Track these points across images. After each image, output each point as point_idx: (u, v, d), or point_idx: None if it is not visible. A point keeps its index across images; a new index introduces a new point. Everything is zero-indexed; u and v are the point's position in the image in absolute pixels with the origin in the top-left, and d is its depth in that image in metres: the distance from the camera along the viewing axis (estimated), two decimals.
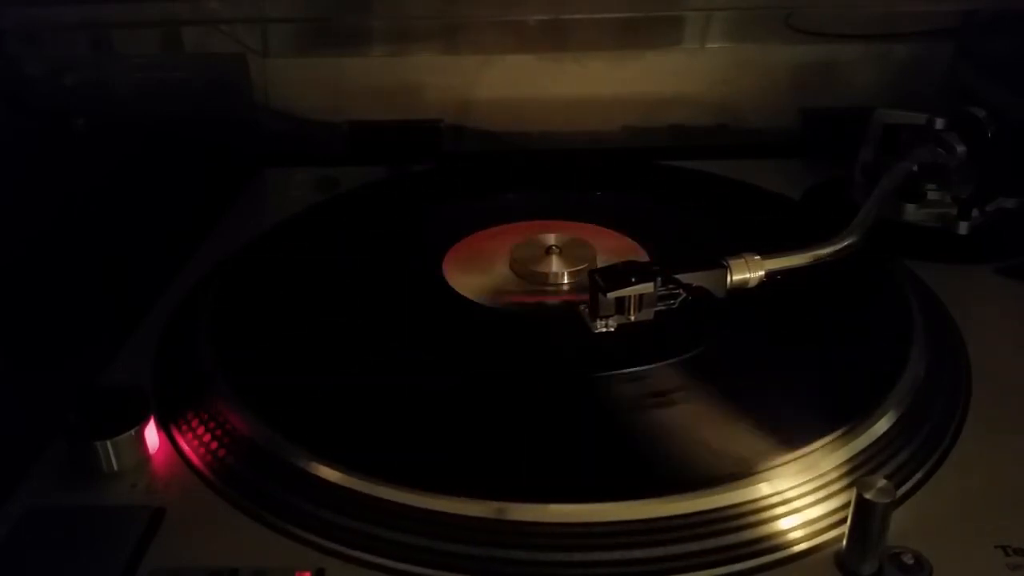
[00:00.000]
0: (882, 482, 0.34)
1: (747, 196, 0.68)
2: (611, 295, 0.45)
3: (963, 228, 0.59)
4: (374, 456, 0.40)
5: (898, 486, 0.39)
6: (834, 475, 0.39)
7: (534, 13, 0.78)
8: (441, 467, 0.39)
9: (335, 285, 0.55)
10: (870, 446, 0.41)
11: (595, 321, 0.46)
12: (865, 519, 0.34)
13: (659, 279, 0.45)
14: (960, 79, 0.78)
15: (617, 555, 0.36)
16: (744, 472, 0.38)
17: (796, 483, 0.39)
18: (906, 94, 0.78)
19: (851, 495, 0.35)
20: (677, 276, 0.46)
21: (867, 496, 0.34)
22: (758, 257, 0.47)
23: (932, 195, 0.61)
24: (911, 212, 0.61)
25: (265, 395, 0.44)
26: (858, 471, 0.40)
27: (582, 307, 0.47)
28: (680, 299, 0.46)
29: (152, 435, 0.42)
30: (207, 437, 0.43)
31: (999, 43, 0.75)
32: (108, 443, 0.41)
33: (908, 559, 0.35)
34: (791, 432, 0.41)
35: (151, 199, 0.66)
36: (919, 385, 0.45)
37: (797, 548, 0.37)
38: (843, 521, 0.36)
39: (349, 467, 0.39)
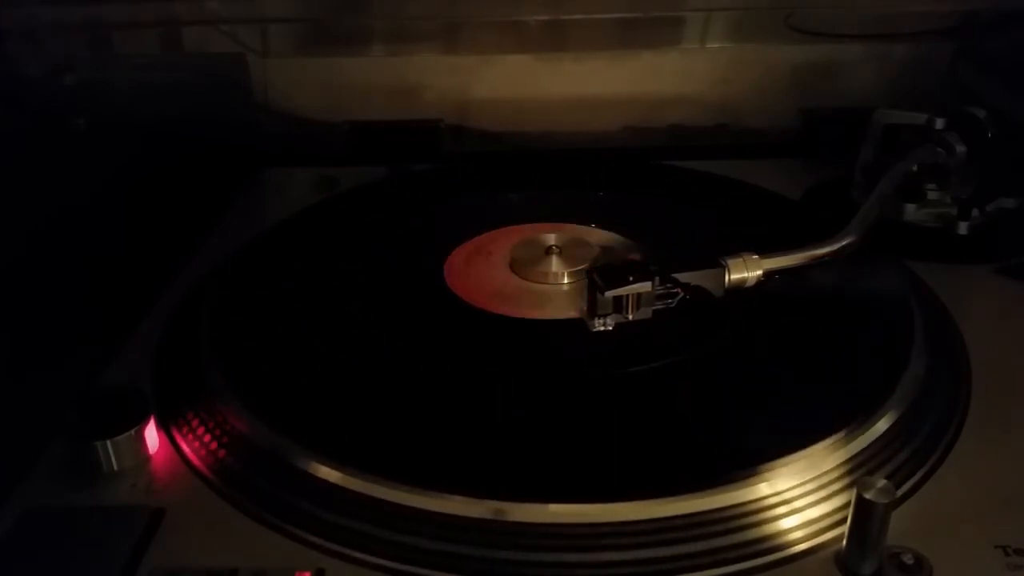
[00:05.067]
0: (882, 482, 0.34)
1: (747, 196, 0.68)
2: (609, 294, 0.45)
3: (963, 228, 0.59)
4: (374, 456, 0.40)
5: (898, 486, 0.39)
6: (834, 475, 0.39)
7: (534, 13, 0.78)
8: (441, 467, 0.39)
9: (334, 285, 0.55)
10: (870, 446, 0.41)
11: (593, 320, 0.46)
12: (865, 519, 0.34)
13: (657, 278, 0.46)
14: (960, 79, 0.78)
15: (617, 555, 0.36)
16: (744, 472, 0.38)
17: (796, 483, 0.39)
18: (906, 94, 0.78)
19: (851, 495, 0.35)
20: (675, 275, 0.46)
21: (867, 496, 0.34)
22: (756, 256, 0.47)
23: (932, 195, 0.61)
24: (911, 212, 0.61)
25: (265, 395, 0.44)
26: (858, 471, 0.40)
27: (581, 306, 0.47)
28: (678, 298, 0.46)
29: (152, 435, 0.42)
30: (207, 437, 0.43)
31: (999, 43, 0.75)
32: (108, 443, 0.41)
33: (908, 559, 0.35)
34: (791, 432, 0.41)
35: (151, 199, 0.66)
36: (919, 385, 0.45)
37: (797, 548, 0.37)
38: (843, 521, 0.36)
39: (349, 467, 0.39)
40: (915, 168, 0.60)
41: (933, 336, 0.49)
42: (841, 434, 0.41)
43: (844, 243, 0.50)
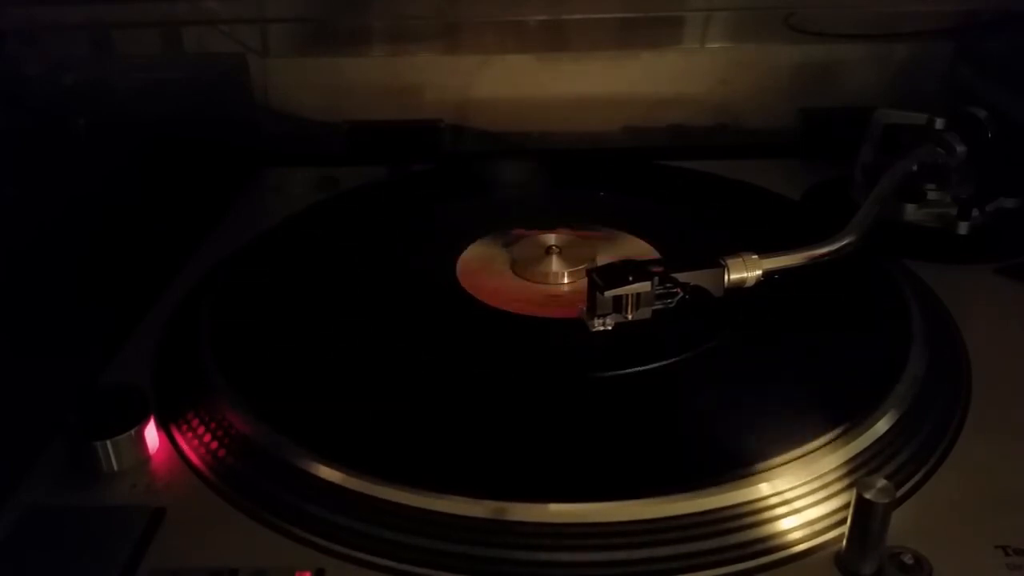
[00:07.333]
0: (882, 482, 0.34)
1: (747, 196, 0.68)
2: (608, 294, 0.45)
3: (963, 228, 0.60)
4: (374, 456, 0.40)
5: (898, 486, 0.39)
6: (834, 475, 0.39)
7: (534, 13, 0.79)
8: (441, 467, 0.39)
9: (334, 285, 0.55)
10: (870, 446, 0.41)
11: (592, 320, 0.46)
12: (865, 519, 0.34)
13: (656, 278, 0.46)
14: (960, 79, 0.78)
15: (617, 555, 0.36)
16: (744, 472, 0.38)
17: (796, 483, 0.39)
18: (906, 94, 0.78)
19: (851, 495, 0.35)
20: (675, 275, 0.46)
21: (867, 496, 0.34)
22: (756, 256, 0.47)
23: (932, 195, 0.61)
24: (911, 212, 0.61)
25: (265, 395, 0.44)
26: (858, 471, 0.40)
27: (580, 307, 0.47)
28: (678, 298, 0.46)
29: (152, 435, 0.42)
30: (207, 437, 0.43)
31: (999, 43, 0.76)
32: (108, 443, 0.41)
33: (908, 559, 0.35)
34: (791, 432, 0.41)
35: (151, 199, 0.65)
36: (919, 385, 0.45)
37: (797, 548, 0.37)
38: (843, 521, 0.36)
39: (349, 467, 0.39)
40: (915, 168, 0.60)
41: (933, 336, 0.49)
42: (841, 434, 0.41)
43: (844, 243, 0.50)
